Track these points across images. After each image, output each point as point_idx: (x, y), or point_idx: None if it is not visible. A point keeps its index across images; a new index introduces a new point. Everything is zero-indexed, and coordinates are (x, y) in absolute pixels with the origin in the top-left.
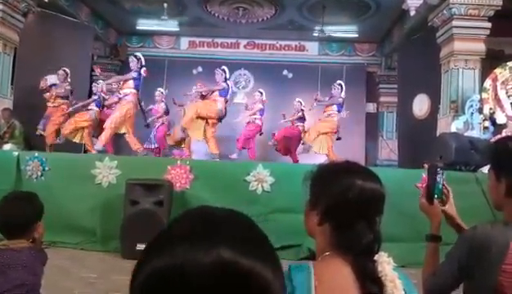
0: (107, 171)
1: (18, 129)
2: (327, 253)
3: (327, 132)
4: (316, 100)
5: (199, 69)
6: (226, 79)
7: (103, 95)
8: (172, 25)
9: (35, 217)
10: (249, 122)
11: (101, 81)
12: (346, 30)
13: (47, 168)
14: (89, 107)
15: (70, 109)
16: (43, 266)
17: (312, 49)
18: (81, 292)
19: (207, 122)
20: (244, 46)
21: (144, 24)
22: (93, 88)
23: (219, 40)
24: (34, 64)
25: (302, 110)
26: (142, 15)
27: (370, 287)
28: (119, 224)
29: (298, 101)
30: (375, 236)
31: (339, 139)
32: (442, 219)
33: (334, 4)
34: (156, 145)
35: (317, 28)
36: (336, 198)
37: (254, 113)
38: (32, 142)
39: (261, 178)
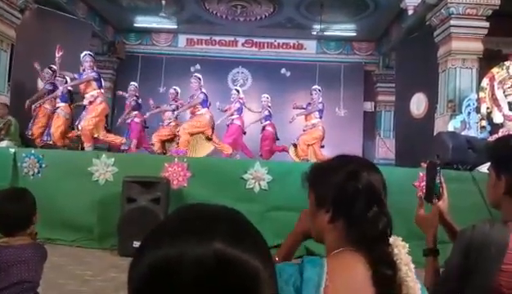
0: (104, 169)
1: (14, 126)
2: (340, 250)
3: (314, 143)
4: (294, 107)
5: (197, 66)
6: (201, 87)
7: (70, 88)
8: (170, 23)
9: (31, 212)
10: (228, 125)
11: (60, 86)
12: (344, 29)
13: (43, 165)
14: (56, 105)
15: (33, 106)
16: (44, 263)
17: (310, 47)
18: (77, 290)
19: (203, 133)
20: (242, 44)
21: (142, 22)
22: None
23: (217, 38)
24: (31, 61)
25: (269, 107)
26: (140, 12)
27: (384, 270)
28: (116, 222)
29: (266, 97)
30: (388, 219)
31: (322, 147)
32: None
33: (332, 2)
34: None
35: (315, 26)
36: (344, 189)
37: (232, 114)
38: (27, 139)
39: (258, 176)
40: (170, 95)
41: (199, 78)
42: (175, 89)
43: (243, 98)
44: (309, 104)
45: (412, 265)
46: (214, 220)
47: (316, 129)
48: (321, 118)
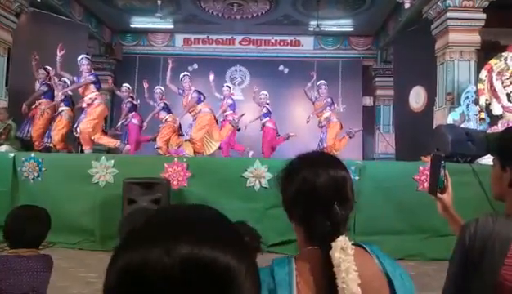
0: (104, 171)
1: (14, 130)
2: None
3: (341, 138)
4: (305, 91)
5: (195, 65)
6: (191, 86)
7: (69, 93)
8: (166, 23)
9: (46, 232)
10: (222, 121)
11: (59, 92)
12: (341, 24)
13: (43, 169)
14: (59, 109)
15: (40, 110)
16: (50, 273)
17: (307, 44)
18: (80, 292)
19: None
20: (240, 42)
21: (138, 22)
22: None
23: (214, 36)
24: (28, 65)
25: (267, 104)
26: (136, 13)
27: (326, 271)
28: (117, 224)
29: (264, 94)
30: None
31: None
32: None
33: None
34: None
35: (312, 22)
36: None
37: (225, 110)
38: (27, 144)
39: (258, 174)
40: (157, 95)
41: (190, 77)
42: (160, 88)
43: (233, 94)
44: (316, 98)
45: (347, 266)
46: (181, 223)
47: (334, 124)
48: (330, 109)
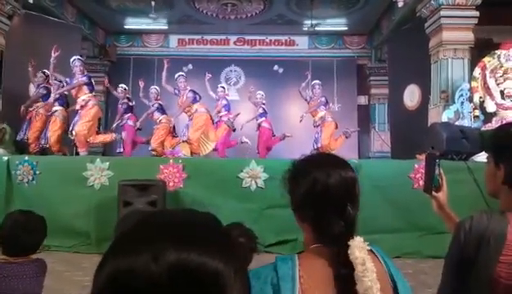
0: (99, 173)
1: (8, 134)
2: (315, 245)
3: (338, 137)
4: (300, 91)
5: (190, 66)
6: (186, 86)
7: (65, 92)
8: (160, 23)
9: (42, 240)
10: (217, 122)
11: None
12: (335, 23)
13: (38, 172)
14: (53, 109)
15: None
16: (44, 277)
17: (301, 43)
18: None
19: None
20: (234, 43)
21: (132, 23)
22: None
23: (208, 37)
24: (22, 67)
25: (263, 104)
26: (130, 14)
27: (341, 269)
28: (113, 226)
29: (260, 95)
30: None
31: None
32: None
33: None
34: (124, 134)
35: (306, 22)
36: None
37: (219, 111)
38: (22, 147)
39: (254, 174)
40: (152, 95)
41: (185, 77)
42: (156, 88)
43: (228, 94)
44: (310, 98)
45: (371, 265)
46: (168, 226)
47: (329, 124)
48: (325, 108)
